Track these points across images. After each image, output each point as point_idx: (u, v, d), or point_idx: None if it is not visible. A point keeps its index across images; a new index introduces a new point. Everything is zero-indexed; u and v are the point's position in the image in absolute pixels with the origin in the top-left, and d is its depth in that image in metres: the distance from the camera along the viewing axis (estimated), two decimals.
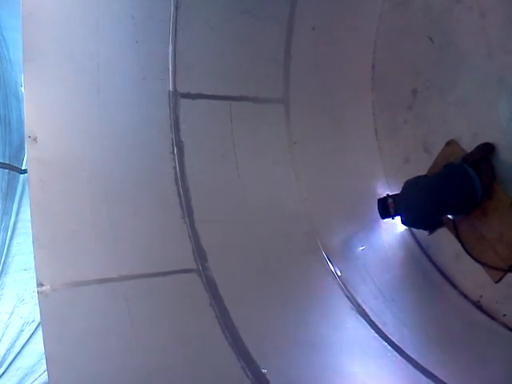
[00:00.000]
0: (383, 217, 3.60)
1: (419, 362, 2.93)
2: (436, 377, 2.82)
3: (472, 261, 3.47)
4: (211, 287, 2.69)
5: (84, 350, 2.22)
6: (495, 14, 3.24)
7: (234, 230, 3.07)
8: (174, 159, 2.98)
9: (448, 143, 3.60)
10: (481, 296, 3.44)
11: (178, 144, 3.01)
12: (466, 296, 3.53)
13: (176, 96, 3.05)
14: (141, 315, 2.42)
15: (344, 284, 3.34)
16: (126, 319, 2.35)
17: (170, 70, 3.03)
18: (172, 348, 2.41)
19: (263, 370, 2.40)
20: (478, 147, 3.34)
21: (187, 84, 3.11)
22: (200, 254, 2.78)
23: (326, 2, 3.69)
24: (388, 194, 3.65)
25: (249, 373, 2.37)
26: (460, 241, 3.54)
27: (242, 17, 3.26)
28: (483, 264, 3.41)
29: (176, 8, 2.95)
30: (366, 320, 3.16)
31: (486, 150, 3.30)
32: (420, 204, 3.35)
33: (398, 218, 3.56)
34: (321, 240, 3.47)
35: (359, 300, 3.28)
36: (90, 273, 2.42)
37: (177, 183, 2.93)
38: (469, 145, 3.43)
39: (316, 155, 3.76)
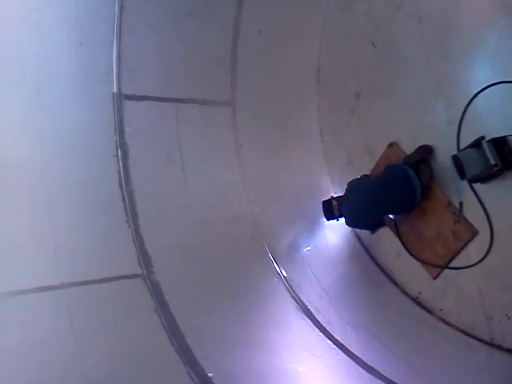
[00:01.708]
0: (328, 219, 3.69)
1: (363, 358, 3.01)
2: (379, 372, 2.91)
3: (412, 259, 3.61)
4: (156, 293, 2.65)
5: (21, 362, 2.14)
6: (433, 22, 3.37)
7: (180, 233, 3.03)
8: (118, 162, 2.90)
9: (389, 145, 3.72)
10: (420, 292, 3.59)
11: (123, 147, 2.93)
12: (406, 293, 3.67)
13: (121, 98, 2.98)
14: (83, 323, 2.34)
15: (290, 285, 3.38)
16: (67, 328, 2.27)
17: (115, 71, 2.95)
18: (116, 356, 2.35)
19: (209, 374, 2.39)
20: (418, 149, 3.46)
21: (132, 86, 3.04)
22: (145, 258, 2.73)
23: (272, 5, 3.71)
24: (332, 196, 3.74)
25: (195, 377, 2.35)
26: (401, 240, 3.68)
27: (188, 19, 3.22)
28: (422, 261, 3.56)
29: (121, 9, 2.87)
30: (311, 320, 3.21)
31: (425, 152, 3.43)
32: (362, 205, 3.44)
33: (342, 219, 3.65)
34: (267, 242, 3.49)
35: (305, 300, 3.33)
36: (29, 281, 2.33)
37: (121, 187, 2.86)
38: (409, 147, 3.56)
39: (262, 157, 3.79)
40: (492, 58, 3.09)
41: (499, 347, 3.11)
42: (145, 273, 2.69)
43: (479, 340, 3.21)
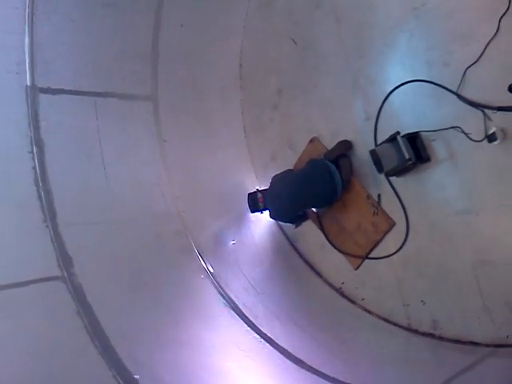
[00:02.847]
0: (253, 211, 3.73)
1: (290, 351, 3.06)
2: (305, 363, 2.98)
3: (335, 250, 3.74)
4: (78, 295, 2.52)
5: None
6: (349, 21, 3.49)
7: (102, 232, 2.91)
8: (33, 159, 2.72)
9: (311, 141, 3.81)
10: (342, 283, 3.72)
11: (38, 143, 2.76)
12: (329, 284, 3.79)
13: (34, 91, 2.80)
14: (1, 329, 2.20)
15: (217, 281, 3.37)
16: None
17: (27, 63, 2.77)
18: (37, 362, 2.21)
19: (135, 376, 2.33)
20: (338, 144, 3.58)
21: (47, 78, 2.86)
22: (65, 259, 2.59)
23: None
24: (258, 189, 3.78)
25: (120, 380, 2.28)
26: (323, 232, 3.79)
27: (106, 10, 3.09)
28: (344, 253, 3.69)
29: None
30: (238, 315, 3.22)
31: (345, 147, 3.55)
32: (286, 198, 3.51)
33: (266, 213, 3.70)
34: (193, 238, 3.46)
35: (232, 295, 3.33)
36: None
37: (37, 185, 2.69)
38: (330, 142, 3.67)
39: (187, 153, 3.74)
40: (404, 57, 3.23)
41: (416, 331, 3.30)
42: (65, 275, 2.56)
43: (398, 326, 3.39)
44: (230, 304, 3.31)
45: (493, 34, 2.78)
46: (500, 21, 2.76)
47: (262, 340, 3.13)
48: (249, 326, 3.20)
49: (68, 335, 2.41)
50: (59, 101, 2.95)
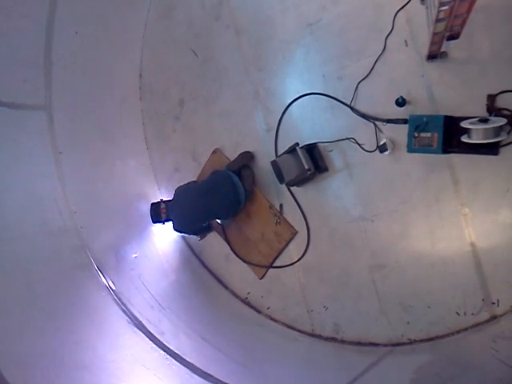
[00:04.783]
0: (154, 221, 3.66)
1: (197, 365, 3.00)
2: (213, 377, 2.93)
3: (240, 261, 3.76)
4: None
5: None
6: (248, 35, 3.55)
7: None
8: None
9: (214, 152, 3.82)
10: (248, 293, 3.74)
11: None
12: (235, 294, 3.80)
13: None
14: None
15: (119, 297, 3.23)
16: None
17: None
18: None
19: None
20: (240, 155, 3.62)
21: None
22: None
23: (90, 6, 3.52)
24: (162, 200, 3.70)
25: None
26: (228, 243, 3.80)
27: None
28: (249, 263, 3.72)
29: None
30: (143, 332, 3.10)
31: (247, 158, 3.60)
32: (189, 209, 3.48)
33: (171, 225, 3.63)
34: (92, 254, 3.28)
35: (135, 312, 3.20)
36: None
37: None
38: (232, 153, 3.70)
39: (84, 165, 3.55)
40: (302, 71, 3.35)
41: (319, 336, 3.40)
42: None
43: (302, 332, 3.47)
44: (133, 321, 3.18)
45: (380, 51, 2.98)
46: (386, 39, 2.95)
47: (168, 356, 3.04)
48: (154, 343, 3.10)
49: None
50: None
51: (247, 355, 3.25)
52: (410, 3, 2.85)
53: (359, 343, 3.24)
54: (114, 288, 3.28)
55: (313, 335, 3.43)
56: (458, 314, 2.87)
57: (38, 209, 3.16)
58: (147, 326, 3.20)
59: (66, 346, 2.73)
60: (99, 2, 3.59)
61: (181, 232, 3.80)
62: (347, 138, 3.15)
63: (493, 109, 2.62)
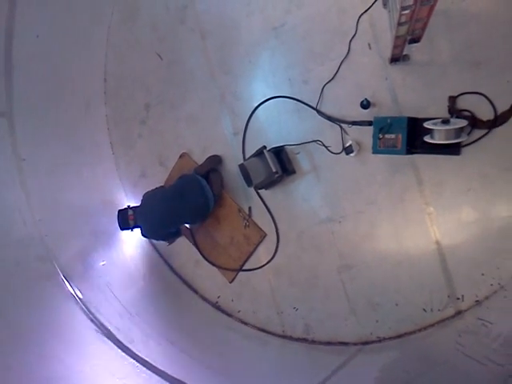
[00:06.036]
0: (122, 228, 3.58)
1: (168, 372, 2.97)
2: (185, 383, 2.91)
3: (210, 266, 3.74)
4: None
5: None
6: (214, 38, 3.55)
7: None
8: None
9: (181, 156, 3.79)
10: (218, 297, 3.73)
11: None
12: (205, 299, 3.78)
13: None
14: None
15: (87, 306, 3.17)
16: None
17: None
18: None
19: None
20: (207, 159, 3.60)
21: None
22: None
23: (50, 8, 3.44)
24: (129, 206, 3.64)
25: None
26: (197, 248, 3.78)
27: None
28: (219, 267, 3.71)
29: None
30: (112, 341, 3.06)
31: (215, 162, 3.59)
32: (157, 214, 3.44)
33: (138, 231, 3.58)
34: (58, 263, 3.22)
35: (104, 321, 3.15)
36: None
37: None
38: (200, 157, 3.68)
39: (49, 172, 3.48)
40: (267, 74, 3.37)
41: (290, 338, 3.42)
42: None
43: (273, 334, 3.48)
44: (102, 330, 3.13)
45: (345, 54, 3.02)
46: (350, 43, 3.00)
47: (138, 365, 3.00)
48: (124, 352, 3.05)
49: None
50: None
51: (219, 360, 3.23)
52: (372, 7, 2.91)
53: (329, 343, 3.27)
54: (81, 297, 3.23)
55: (284, 336, 3.44)
56: (424, 310, 2.94)
57: (1, 218, 3.08)
58: (116, 335, 3.15)
59: (33, 358, 2.67)
60: (61, 4, 3.53)
61: (149, 238, 3.75)
62: (314, 141, 3.18)
63: (454, 110, 2.70)
